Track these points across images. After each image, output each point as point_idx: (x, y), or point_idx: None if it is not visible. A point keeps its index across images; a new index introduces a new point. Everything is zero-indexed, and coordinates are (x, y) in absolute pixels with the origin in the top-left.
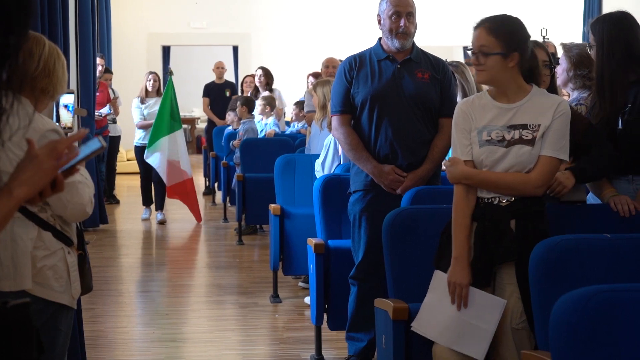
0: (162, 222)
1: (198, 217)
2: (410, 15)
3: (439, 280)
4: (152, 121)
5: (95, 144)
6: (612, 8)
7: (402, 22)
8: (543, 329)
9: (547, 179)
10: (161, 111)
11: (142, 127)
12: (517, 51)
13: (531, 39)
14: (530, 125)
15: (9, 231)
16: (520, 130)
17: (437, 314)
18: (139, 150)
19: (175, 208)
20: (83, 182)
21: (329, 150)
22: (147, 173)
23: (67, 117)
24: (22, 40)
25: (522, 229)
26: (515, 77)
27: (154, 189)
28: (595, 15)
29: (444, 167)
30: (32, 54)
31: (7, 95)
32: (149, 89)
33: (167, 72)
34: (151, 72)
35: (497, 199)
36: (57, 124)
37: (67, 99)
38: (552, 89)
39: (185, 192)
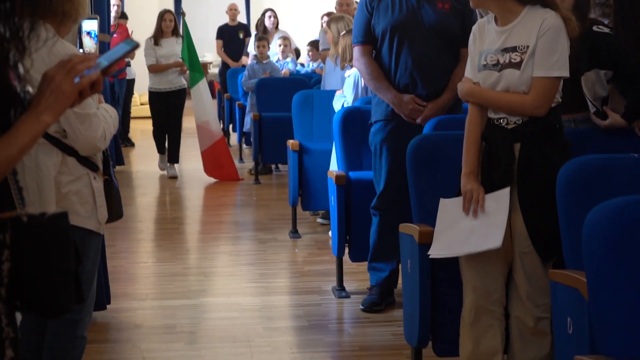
0: (173, 177)
1: (236, 177)
2: None
3: (445, 206)
4: (167, 64)
5: (129, 43)
6: None
7: None
8: (572, 249)
9: (546, 99)
10: (187, 56)
11: (155, 71)
12: None
13: None
14: (519, 47)
15: (34, 157)
16: (511, 53)
17: (450, 235)
18: (153, 96)
19: (190, 150)
20: (98, 116)
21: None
22: (159, 119)
23: (90, 44)
24: None
25: (525, 153)
26: (496, 1)
27: (168, 137)
28: None
29: None
30: None
31: (23, 21)
32: (164, 29)
33: (179, 13)
34: (167, 11)
35: (505, 120)
36: (81, 49)
37: (90, 25)
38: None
39: (219, 156)
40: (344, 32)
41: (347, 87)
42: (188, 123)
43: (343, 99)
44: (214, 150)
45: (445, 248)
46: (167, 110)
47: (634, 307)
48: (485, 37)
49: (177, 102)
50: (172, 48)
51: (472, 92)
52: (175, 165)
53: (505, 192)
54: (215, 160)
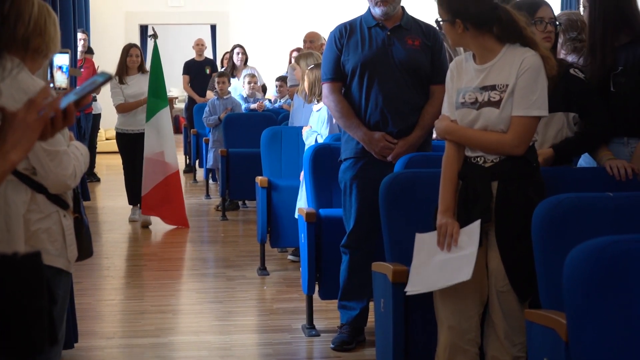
0: (145, 225)
1: (184, 222)
2: None
3: (421, 241)
4: (135, 102)
5: (103, 75)
6: None
7: None
8: (547, 288)
9: (525, 138)
10: (153, 80)
11: (124, 110)
12: (458, 18)
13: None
14: (498, 85)
15: (2, 194)
16: (490, 91)
17: (425, 270)
18: (122, 138)
19: None
20: (69, 154)
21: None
22: (129, 164)
23: (61, 79)
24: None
25: (503, 191)
26: (475, 39)
27: (137, 180)
28: None
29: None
30: (21, 13)
31: None
32: (130, 65)
33: (150, 35)
34: (133, 45)
35: (482, 158)
36: (52, 85)
37: (62, 60)
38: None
39: (166, 196)
40: (312, 65)
41: (317, 122)
42: None
43: (315, 134)
44: (164, 185)
45: (421, 284)
46: (135, 153)
47: (614, 349)
48: (464, 75)
49: None
50: (140, 86)
51: (450, 129)
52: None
53: (476, 224)
54: (163, 196)
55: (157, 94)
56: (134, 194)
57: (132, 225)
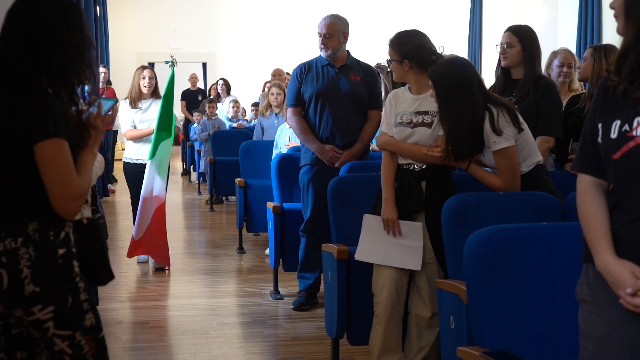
0: (159, 268)
1: (166, 260)
2: (328, 34)
3: (368, 221)
4: (144, 130)
5: (111, 100)
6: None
7: (320, 40)
8: (452, 263)
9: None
10: (162, 110)
11: (132, 138)
12: (407, 59)
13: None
14: (430, 111)
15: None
16: (423, 115)
17: (373, 245)
18: (130, 169)
19: None
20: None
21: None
22: (138, 196)
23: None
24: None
25: (430, 188)
26: (416, 76)
27: None
28: (477, 29)
29: (372, 147)
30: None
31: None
32: (144, 90)
33: (169, 62)
34: (147, 67)
35: (412, 165)
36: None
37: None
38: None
39: (154, 234)
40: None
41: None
42: None
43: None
44: (154, 222)
45: (369, 255)
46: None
47: (502, 310)
48: (401, 102)
49: None
50: (152, 111)
51: (389, 142)
52: None
53: (419, 225)
54: (153, 234)
55: (165, 126)
56: None
57: None
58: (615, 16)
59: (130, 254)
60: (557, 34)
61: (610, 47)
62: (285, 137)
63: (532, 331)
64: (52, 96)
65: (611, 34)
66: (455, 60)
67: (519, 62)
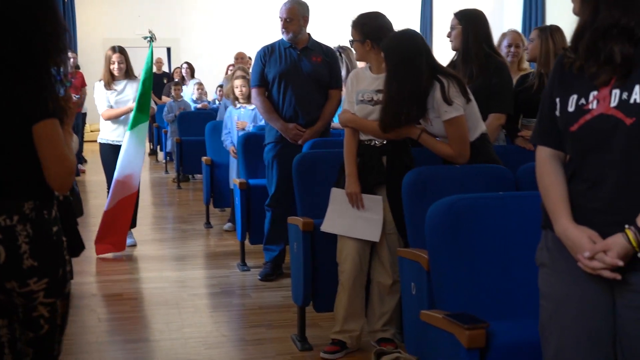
0: (132, 245)
1: (122, 246)
2: (288, 19)
3: (335, 194)
4: (121, 109)
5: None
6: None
7: (282, 24)
8: (413, 233)
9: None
10: (140, 92)
11: (109, 118)
12: (369, 39)
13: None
14: None
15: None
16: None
17: (337, 217)
18: (106, 150)
19: None
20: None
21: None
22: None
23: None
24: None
25: (390, 163)
26: (377, 55)
27: None
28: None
29: (332, 125)
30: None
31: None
32: (116, 73)
33: (147, 37)
34: (114, 52)
35: (373, 141)
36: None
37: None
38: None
39: (120, 215)
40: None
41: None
42: None
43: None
44: (121, 205)
45: (334, 227)
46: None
47: (462, 275)
48: (362, 81)
49: None
50: (127, 92)
51: (351, 120)
52: (132, 230)
53: (379, 199)
54: (112, 223)
55: (142, 108)
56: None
57: None
58: None
59: (99, 251)
60: (503, 18)
61: (554, 28)
62: (234, 117)
63: (491, 294)
64: (46, 77)
65: (554, 16)
66: (405, 32)
67: (461, 43)
